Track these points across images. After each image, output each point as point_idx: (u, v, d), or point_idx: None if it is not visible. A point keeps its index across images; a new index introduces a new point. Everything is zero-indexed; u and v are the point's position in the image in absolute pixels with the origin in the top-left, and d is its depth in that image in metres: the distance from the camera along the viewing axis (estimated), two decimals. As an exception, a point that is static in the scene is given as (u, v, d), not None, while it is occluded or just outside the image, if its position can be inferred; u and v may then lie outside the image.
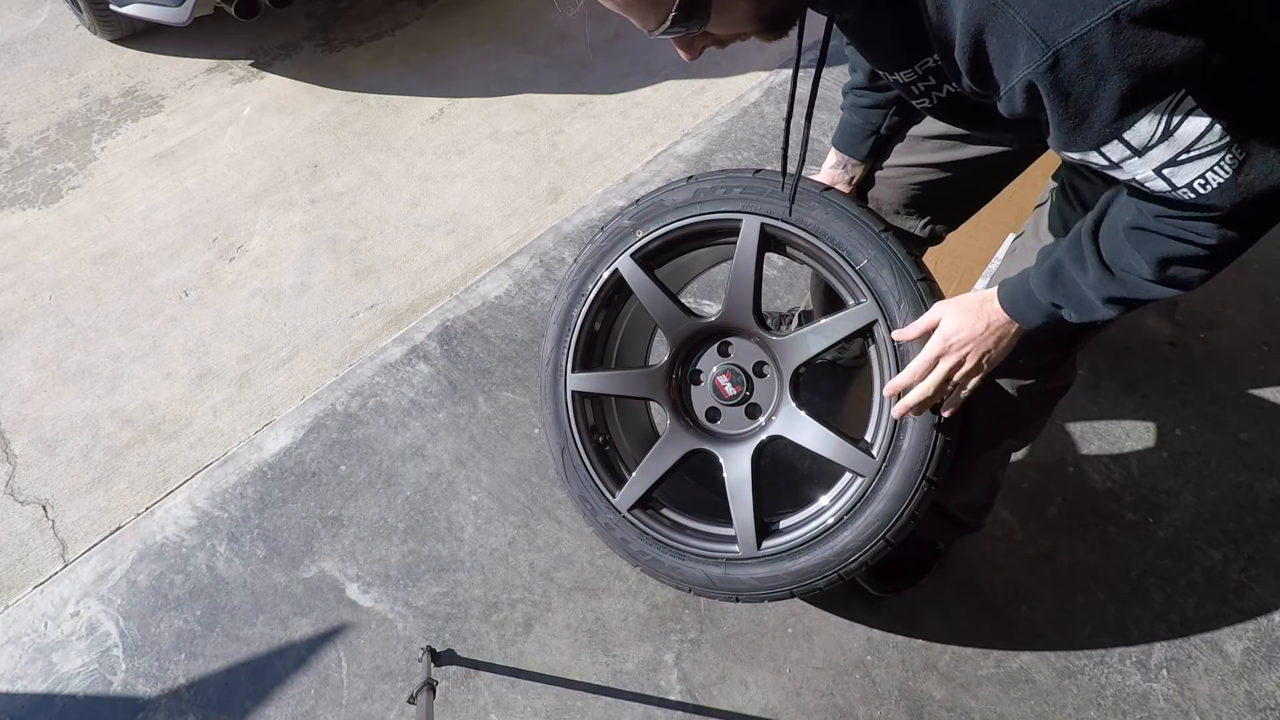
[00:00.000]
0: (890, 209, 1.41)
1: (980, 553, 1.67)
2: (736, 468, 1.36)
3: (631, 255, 1.39)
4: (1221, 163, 0.73)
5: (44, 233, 2.50)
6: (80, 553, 1.73)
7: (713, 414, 1.42)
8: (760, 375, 1.39)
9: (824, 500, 1.33)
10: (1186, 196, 0.77)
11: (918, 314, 1.20)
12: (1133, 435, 1.86)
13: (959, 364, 1.08)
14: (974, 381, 1.10)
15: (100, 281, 2.35)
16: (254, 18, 2.84)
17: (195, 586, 1.66)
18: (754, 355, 1.39)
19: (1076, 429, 1.87)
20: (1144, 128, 0.72)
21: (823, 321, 1.31)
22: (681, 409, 1.42)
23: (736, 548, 1.35)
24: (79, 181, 2.68)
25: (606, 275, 1.41)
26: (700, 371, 1.42)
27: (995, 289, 1.05)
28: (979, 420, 1.25)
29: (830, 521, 1.28)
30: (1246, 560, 1.66)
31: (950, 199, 1.38)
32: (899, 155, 1.39)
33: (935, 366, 1.10)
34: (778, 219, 1.29)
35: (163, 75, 3.12)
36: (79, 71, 3.15)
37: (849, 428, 1.34)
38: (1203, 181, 0.74)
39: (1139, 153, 0.74)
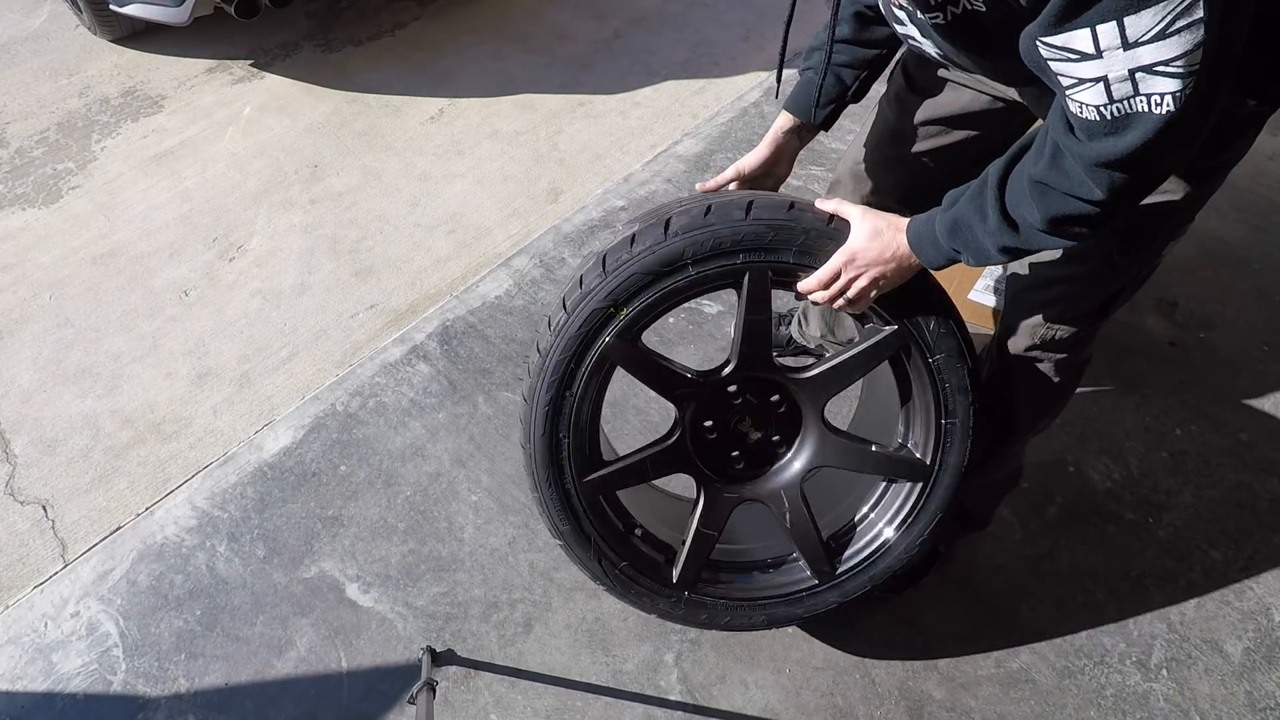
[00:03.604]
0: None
1: (980, 553, 1.67)
2: (788, 506, 1.32)
3: (618, 336, 1.17)
4: (1181, 91, 0.76)
5: (44, 233, 2.50)
6: (80, 553, 1.73)
7: (746, 463, 1.33)
8: (786, 412, 1.29)
9: (875, 513, 1.36)
10: (1120, 112, 0.80)
11: (943, 328, 1.20)
12: (1133, 435, 1.86)
13: (855, 279, 1.14)
14: (869, 296, 1.15)
15: (100, 281, 2.34)
16: (254, 18, 2.84)
17: (195, 586, 1.66)
18: (775, 396, 1.28)
19: (1076, 429, 1.87)
20: (1146, 20, 0.73)
21: (850, 353, 1.23)
22: (712, 472, 1.31)
23: (810, 579, 1.36)
24: (79, 181, 2.68)
25: (590, 367, 1.18)
26: (722, 426, 1.29)
27: (908, 222, 1.10)
28: (1022, 408, 1.32)
29: (892, 534, 1.32)
30: (1246, 560, 1.66)
31: (932, 191, 1.38)
32: (882, 148, 1.41)
33: (838, 278, 1.14)
34: (787, 261, 1.15)
35: (163, 75, 3.12)
36: (79, 71, 3.15)
37: (870, 433, 1.36)
38: (1158, 99, 0.77)
39: (1127, 44, 0.75)
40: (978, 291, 2.04)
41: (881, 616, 1.58)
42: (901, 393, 1.29)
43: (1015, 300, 1.27)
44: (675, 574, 1.33)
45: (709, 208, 1.13)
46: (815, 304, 1.18)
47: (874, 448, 1.31)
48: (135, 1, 2.88)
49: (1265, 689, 1.49)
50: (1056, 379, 1.29)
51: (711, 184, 1.30)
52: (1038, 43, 0.82)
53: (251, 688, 1.52)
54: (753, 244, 1.13)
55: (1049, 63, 0.82)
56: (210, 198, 2.60)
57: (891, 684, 1.50)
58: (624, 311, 1.15)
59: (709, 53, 3.21)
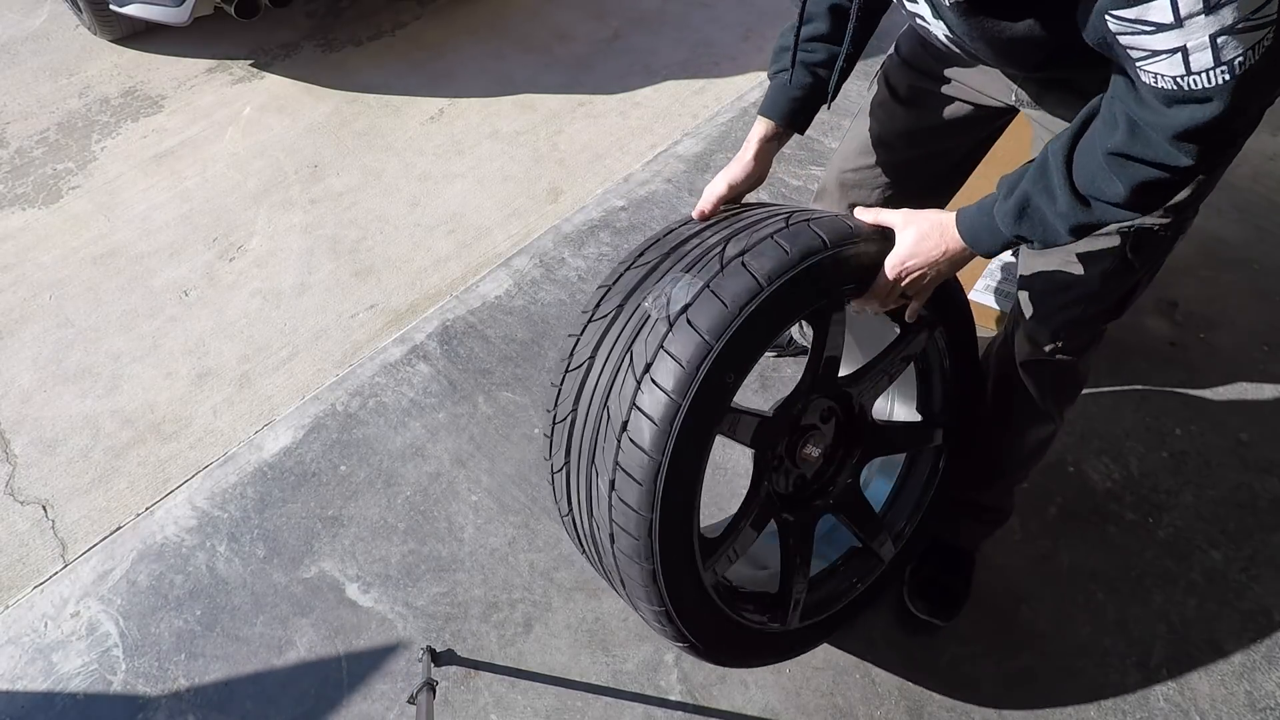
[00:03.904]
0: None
1: (980, 553, 1.66)
2: (853, 503, 1.36)
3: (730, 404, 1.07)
4: (1263, 41, 0.74)
5: (44, 233, 2.50)
6: (80, 553, 1.73)
7: (817, 480, 1.32)
8: (843, 421, 1.30)
9: (912, 479, 1.47)
10: (1199, 84, 0.77)
11: (956, 305, 1.30)
12: (1133, 435, 1.86)
13: (913, 284, 1.15)
14: (925, 294, 1.18)
15: (100, 281, 2.34)
16: (254, 18, 2.84)
17: (195, 586, 1.66)
18: (829, 411, 1.28)
19: (1076, 429, 1.87)
20: None
21: (901, 351, 1.27)
22: (794, 503, 1.28)
23: (880, 561, 1.42)
24: (79, 181, 2.68)
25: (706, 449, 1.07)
26: (793, 454, 1.25)
27: (954, 216, 1.08)
28: (1057, 403, 1.38)
29: (932, 492, 1.45)
30: (1246, 560, 1.66)
31: (918, 197, 1.38)
32: (867, 157, 1.42)
33: (896, 287, 1.15)
34: (858, 282, 1.13)
35: (163, 75, 3.12)
36: (79, 71, 3.15)
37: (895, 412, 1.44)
38: (1241, 59, 0.75)
39: (1210, 7, 0.73)
40: (977, 292, 2.04)
41: (881, 616, 1.58)
42: (919, 370, 1.37)
43: (1035, 303, 1.28)
44: (782, 617, 1.29)
45: (780, 244, 1.03)
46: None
47: (916, 426, 1.41)
48: (135, 1, 2.87)
49: (1265, 689, 1.49)
50: (1079, 373, 1.36)
51: (708, 206, 1.22)
52: (1107, 16, 0.79)
53: (251, 688, 1.52)
54: (838, 274, 1.08)
55: (1118, 36, 0.80)
56: (210, 198, 2.60)
57: (891, 684, 1.50)
58: (732, 377, 1.01)
59: (709, 53, 3.21)
